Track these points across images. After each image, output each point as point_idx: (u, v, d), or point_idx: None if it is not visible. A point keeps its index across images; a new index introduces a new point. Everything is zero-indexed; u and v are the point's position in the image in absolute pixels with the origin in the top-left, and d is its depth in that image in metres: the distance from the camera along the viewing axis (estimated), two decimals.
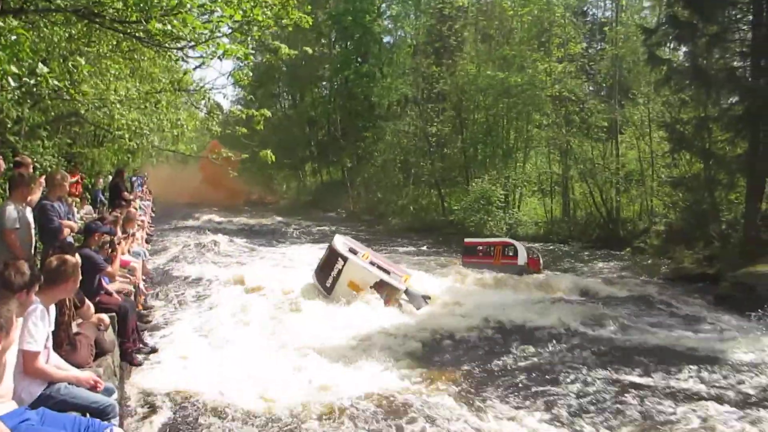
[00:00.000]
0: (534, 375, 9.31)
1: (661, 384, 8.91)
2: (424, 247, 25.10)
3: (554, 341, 11.26)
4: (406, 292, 13.70)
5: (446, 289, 15.69)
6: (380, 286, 13.44)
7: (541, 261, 19.09)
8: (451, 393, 8.42)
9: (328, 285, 13.68)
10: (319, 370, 9.01)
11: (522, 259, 18.19)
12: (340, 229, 31.19)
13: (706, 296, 15.19)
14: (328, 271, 13.84)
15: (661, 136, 23.71)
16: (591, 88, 32.59)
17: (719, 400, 8.19)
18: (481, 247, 19.81)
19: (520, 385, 8.88)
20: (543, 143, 31.50)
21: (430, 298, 13.97)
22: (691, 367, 9.66)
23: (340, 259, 13.72)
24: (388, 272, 14.09)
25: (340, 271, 13.54)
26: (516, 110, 31.62)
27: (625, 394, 8.41)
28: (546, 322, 12.39)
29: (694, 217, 19.81)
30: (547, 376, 9.20)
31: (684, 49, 21.08)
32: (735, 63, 18.42)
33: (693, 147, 19.42)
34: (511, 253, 18.58)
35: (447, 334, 11.44)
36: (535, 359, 10.26)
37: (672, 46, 21.11)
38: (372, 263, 14.21)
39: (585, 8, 38.32)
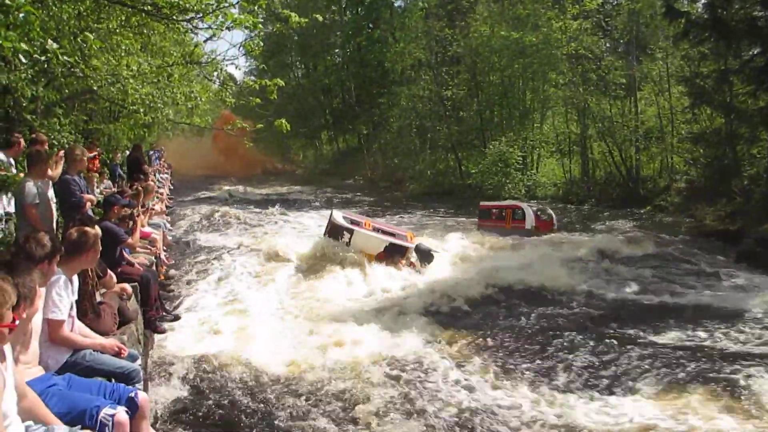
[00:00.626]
0: (552, 337, 9.35)
1: (682, 342, 8.97)
2: (442, 211, 25.11)
3: (573, 302, 11.33)
4: (416, 249, 14.17)
5: (463, 253, 15.74)
6: (391, 249, 13.85)
7: (555, 221, 19.11)
8: (468, 355, 8.54)
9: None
10: (338, 334, 9.16)
11: (529, 222, 18.36)
12: (357, 195, 31.34)
13: (728, 253, 15.11)
14: (330, 244, 14.15)
15: (681, 91, 23.29)
16: (608, 45, 31.99)
17: (741, 356, 8.21)
18: (495, 210, 20.02)
19: (538, 347, 8.96)
20: (560, 103, 31.09)
21: (438, 251, 14.46)
22: (713, 324, 9.69)
23: (345, 232, 14.10)
24: (393, 235, 14.60)
25: (347, 244, 13.94)
26: (531, 70, 31.16)
27: (646, 353, 8.43)
28: (565, 284, 12.43)
29: (715, 173, 19.57)
30: (565, 337, 9.24)
31: (702, 0, 20.56)
32: (756, 13, 17.94)
33: (713, 101, 19.09)
34: (519, 217, 18.78)
35: (463, 298, 11.51)
36: (554, 321, 10.31)
37: None
38: (376, 229, 14.63)
39: None
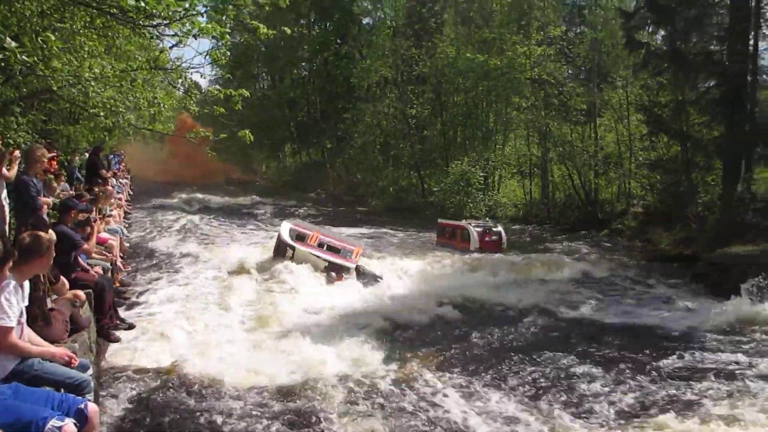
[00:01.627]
0: (508, 354, 9.47)
1: (634, 362, 9.09)
2: (402, 228, 25.15)
3: (527, 322, 11.45)
4: (357, 270, 14.62)
5: (421, 270, 15.81)
6: (331, 267, 14.37)
7: (504, 241, 19.41)
8: (426, 372, 8.52)
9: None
10: (297, 349, 9.08)
11: (473, 244, 18.98)
12: (319, 209, 31.21)
13: (682, 277, 15.44)
14: (281, 259, 14.76)
15: (639, 118, 23.85)
16: (570, 72, 32.63)
17: (690, 377, 8.40)
18: (448, 229, 20.58)
19: (492, 364, 9.04)
20: (522, 126, 31.58)
21: (381, 278, 14.76)
22: (665, 345, 9.90)
23: (288, 248, 14.81)
24: (338, 250, 14.90)
25: (291, 259, 14.62)
26: (495, 93, 31.60)
27: (597, 373, 8.57)
28: (522, 303, 12.60)
29: (671, 199, 20.08)
30: (517, 356, 9.35)
31: (662, 33, 21.17)
32: (712, 47, 18.58)
33: (670, 130, 19.61)
34: (466, 237, 19.32)
35: (422, 316, 11.60)
36: (507, 339, 10.43)
37: (650, 29, 21.16)
38: (321, 244, 14.99)
39: None
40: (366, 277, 14.59)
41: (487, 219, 23.68)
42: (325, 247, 14.97)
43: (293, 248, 14.71)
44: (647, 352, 9.51)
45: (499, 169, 31.55)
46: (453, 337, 10.61)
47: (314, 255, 14.61)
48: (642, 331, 10.77)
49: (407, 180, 36.01)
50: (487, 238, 19.35)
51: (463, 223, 20.64)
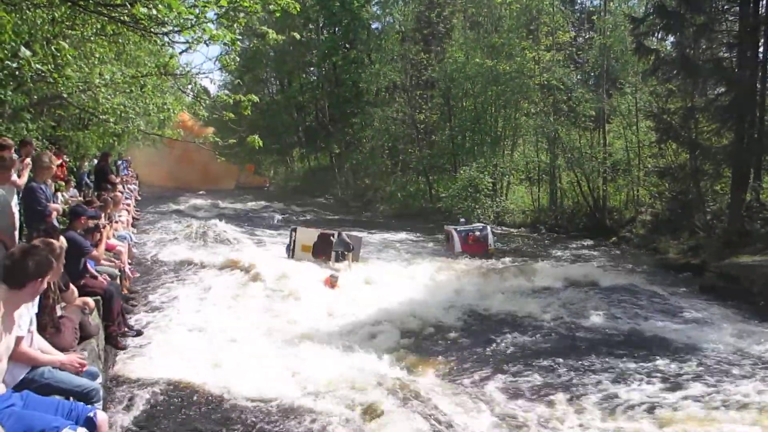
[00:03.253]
0: (514, 362, 9.44)
1: (640, 372, 9.03)
2: (410, 234, 25.12)
3: (536, 329, 11.40)
4: (338, 236, 17.18)
5: (428, 276, 15.78)
6: (321, 238, 17.17)
7: (490, 243, 19.57)
8: (433, 380, 8.52)
9: (289, 253, 17.33)
10: (306, 356, 9.08)
11: (456, 246, 19.51)
12: (327, 214, 31.22)
13: (690, 286, 15.37)
14: (289, 245, 17.45)
15: (648, 125, 23.79)
16: (579, 77, 32.57)
17: (696, 387, 8.34)
18: (444, 234, 21.13)
19: (498, 371, 9.02)
20: (531, 131, 31.50)
21: (352, 249, 17.07)
22: (671, 355, 9.80)
23: (291, 231, 17.93)
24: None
25: (293, 240, 17.29)
26: (504, 98, 31.58)
27: (603, 382, 8.54)
28: (528, 311, 12.54)
29: (679, 207, 19.99)
30: (527, 363, 9.33)
31: (671, 39, 21.15)
32: (722, 54, 18.53)
33: (679, 137, 19.51)
34: (450, 240, 19.90)
35: (430, 323, 11.57)
36: (516, 346, 10.38)
37: (660, 36, 21.16)
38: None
39: None
40: (341, 244, 16.99)
41: (477, 221, 23.82)
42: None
43: (294, 229, 17.92)
44: (654, 361, 9.44)
45: (507, 175, 31.48)
46: (459, 344, 10.59)
47: (309, 230, 17.98)
48: (649, 341, 10.69)
49: (415, 185, 36.01)
50: (471, 241, 19.62)
51: (449, 227, 20.85)
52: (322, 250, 16.96)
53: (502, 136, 32.75)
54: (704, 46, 18.54)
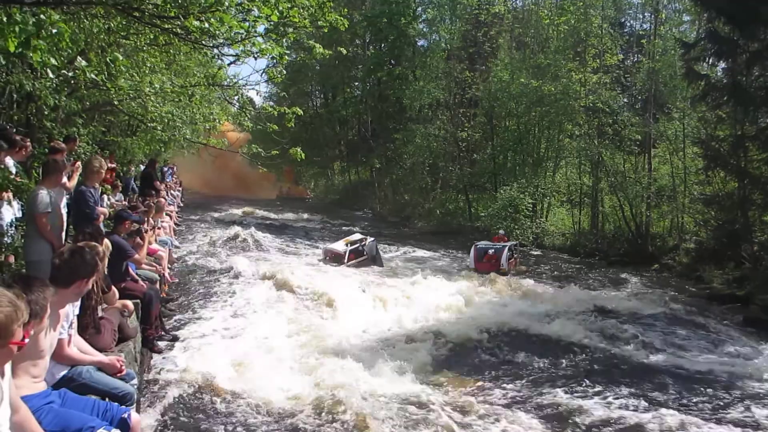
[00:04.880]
0: (546, 386, 9.29)
1: (677, 405, 8.81)
2: (447, 252, 24.99)
3: (570, 355, 11.19)
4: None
5: (463, 294, 15.64)
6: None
7: (503, 262, 19.26)
8: (464, 401, 8.42)
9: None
10: (337, 369, 9.07)
11: (471, 262, 20.00)
12: (366, 228, 31.30)
13: (734, 318, 14.91)
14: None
15: (695, 152, 23.27)
16: (625, 100, 32.18)
17: (743, 423, 8.08)
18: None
19: (535, 398, 8.85)
20: (574, 154, 31.16)
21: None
22: (712, 390, 9.53)
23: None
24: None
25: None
26: (548, 119, 31.31)
27: (642, 413, 8.33)
28: (563, 335, 12.31)
29: (725, 237, 19.43)
30: (560, 388, 9.18)
31: (723, 65, 20.69)
32: None
33: (728, 165, 19.05)
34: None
35: (462, 342, 11.46)
36: (549, 372, 10.22)
37: (710, 61, 20.70)
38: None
39: (623, 20, 37.88)
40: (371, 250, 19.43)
41: (516, 240, 23.66)
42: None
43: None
44: (693, 394, 9.22)
45: (548, 196, 31.17)
46: (491, 364, 10.48)
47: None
48: (688, 373, 10.41)
49: (454, 203, 35.88)
50: (485, 259, 19.60)
51: (477, 242, 21.08)
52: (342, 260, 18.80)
53: (545, 157, 32.43)
54: (757, 73, 18.09)
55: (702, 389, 9.54)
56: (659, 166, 27.70)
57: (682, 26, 29.83)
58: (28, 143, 7.93)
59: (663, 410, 8.46)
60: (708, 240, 21.06)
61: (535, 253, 26.13)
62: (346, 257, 18.97)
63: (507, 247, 20.00)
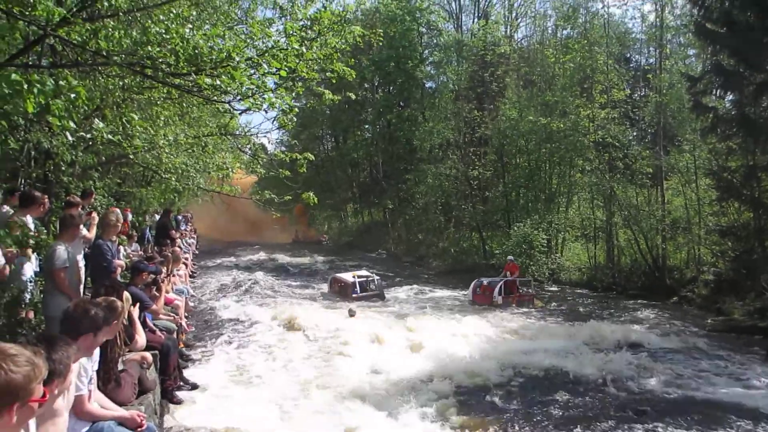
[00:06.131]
0: (567, 425, 9.14)
1: None
2: (463, 290, 24.85)
3: (588, 391, 11.07)
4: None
5: (479, 333, 15.55)
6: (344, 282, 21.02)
7: (495, 296, 19.83)
8: None
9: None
10: (357, 414, 9.03)
11: (469, 295, 21.13)
12: (380, 270, 31.26)
13: (756, 350, 14.68)
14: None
15: (708, 183, 23.22)
16: (635, 134, 32.25)
17: None
18: None
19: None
20: (586, 188, 31.15)
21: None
22: (737, 424, 9.35)
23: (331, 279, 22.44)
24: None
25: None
26: (558, 155, 31.40)
27: None
28: (581, 372, 12.16)
29: (743, 267, 19.24)
30: (581, 428, 9.02)
31: (730, 97, 20.78)
32: None
33: (741, 195, 19.00)
34: None
35: (482, 381, 11.34)
36: (568, 409, 10.10)
37: (718, 93, 20.83)
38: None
39: (628, 55, 38.23)
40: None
41: (531, 277, 23.84)
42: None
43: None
44: (715, 429, 9.03)
45: (562, 231, 31.08)
46: (507, 403, 10.33)
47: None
48: (712, 407, 10.22)
49: (468, 241, 35.82)
50: (480, 291, 20.30)
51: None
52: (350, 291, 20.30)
53: (557, 192, 32.45)
54: (765, 104, 18.16)
55: (728, 423, 9.36)
56: (672, 198, 27.61)
57: (688, 60, 30.03)
58: (46, 200, 8.10)
59: None
60: (726, 271, 20.84)
61: (552, 288, 25.96)
62: (357, 288, 20.44)
63: (503, 282, 20.39)
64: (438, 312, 18.47)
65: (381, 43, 36.39)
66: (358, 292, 20.48)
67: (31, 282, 7.33)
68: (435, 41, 43.05)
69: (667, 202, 26.93)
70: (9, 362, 2.16)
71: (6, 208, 7.60)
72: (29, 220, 7.65)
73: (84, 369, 4.15)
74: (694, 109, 19.91)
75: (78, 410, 4.10)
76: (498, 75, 37.27)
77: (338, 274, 22.54)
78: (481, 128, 35.34)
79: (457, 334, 15.09)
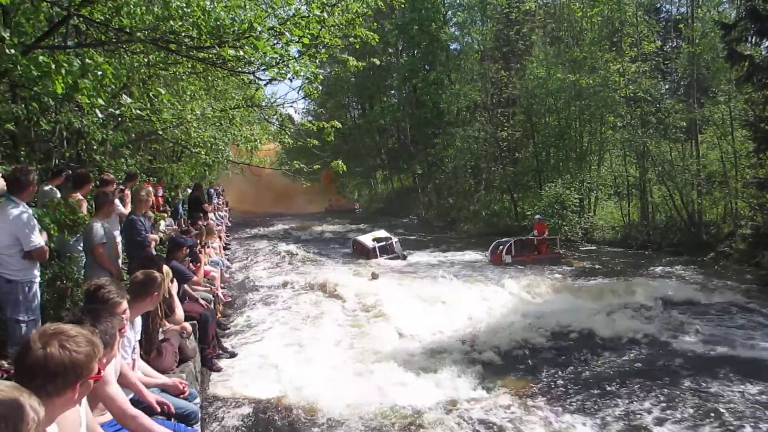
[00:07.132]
0: (609, 385, 9.16)
1: (740, 397, 8.58)
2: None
3: (625, 350, 11.04)
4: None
5: (514, 295, 15.54)
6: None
7: (504, 254, 20.71)
8: (522, 402, 8.39)
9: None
10: (393, 376, 9.16)
11: (488, 256, 21.77)
12: (412, 235, 31.33)
13: None
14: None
15: (745, 135, 22.64)
16: (667, 87, 31.45)
17: None
18: None
19: (595, 396, 8.75)
20: (618, 145, 30.63)
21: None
22: None
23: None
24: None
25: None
26: (589, 112, 30.84)
27: (706, 407, 8.16)
28: (618, 330, 12.11)
29: None
30: (623, 386, 9.05)
31: (767, 43, 20.09)
32: None
33: None
34: None
35: (518, 342, 11.36)
36: (605, 368, 10.08)
37: (753, 40, 20.11)
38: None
39: (658, 5, 37.05)
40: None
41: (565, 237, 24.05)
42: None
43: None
44: (757, 386, 8.94)
45: (594, 190, 30.68)
46: (545, 364, 10.34)
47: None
48: (751, 363, 10.11)
49: (499, 204, 35.64)
50: (496, 252, 20.99)
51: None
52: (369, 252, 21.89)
53: (588, 150, 31.96)
54: None
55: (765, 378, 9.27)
56: (707, 152, 26.97)
57: (721, 6, 28.92)
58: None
59: (725, 402, 8.30)
60: (765, 224, 20.40)
61: (587, 247, 25.76)
62: (376, 252, 21.89)
63: (512, 242, 21.29)
64: (467, 275, 18.48)
65: (403, 6, 35.94)
66: (378, 253, 21.95)
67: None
68: (458, 1, 42.26)
69: (702, 156, 26.34)
70: (72, 343, 2.27)
71: (49, 186, 7.79)
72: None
73: (127, 339, 4.28)
74: (729, 58, 19.30)
75: (121, 379, 4.24)
76: (524, 33, 36.60)
77: (358, 237, 24.18)
78: (508, 88, 34.88)
79: (488, 297, 15.10)
